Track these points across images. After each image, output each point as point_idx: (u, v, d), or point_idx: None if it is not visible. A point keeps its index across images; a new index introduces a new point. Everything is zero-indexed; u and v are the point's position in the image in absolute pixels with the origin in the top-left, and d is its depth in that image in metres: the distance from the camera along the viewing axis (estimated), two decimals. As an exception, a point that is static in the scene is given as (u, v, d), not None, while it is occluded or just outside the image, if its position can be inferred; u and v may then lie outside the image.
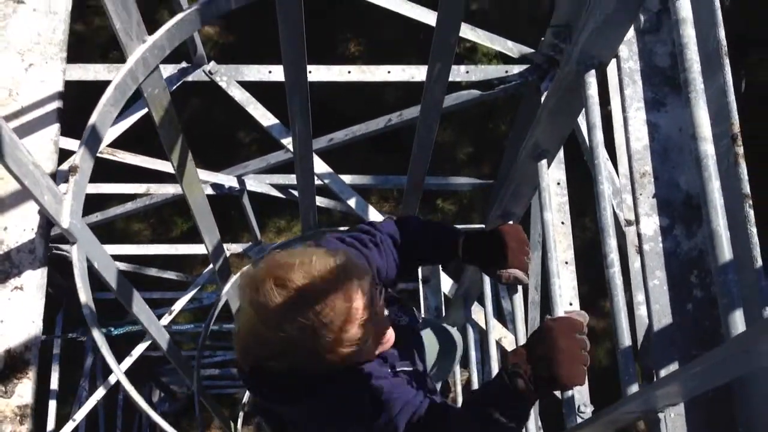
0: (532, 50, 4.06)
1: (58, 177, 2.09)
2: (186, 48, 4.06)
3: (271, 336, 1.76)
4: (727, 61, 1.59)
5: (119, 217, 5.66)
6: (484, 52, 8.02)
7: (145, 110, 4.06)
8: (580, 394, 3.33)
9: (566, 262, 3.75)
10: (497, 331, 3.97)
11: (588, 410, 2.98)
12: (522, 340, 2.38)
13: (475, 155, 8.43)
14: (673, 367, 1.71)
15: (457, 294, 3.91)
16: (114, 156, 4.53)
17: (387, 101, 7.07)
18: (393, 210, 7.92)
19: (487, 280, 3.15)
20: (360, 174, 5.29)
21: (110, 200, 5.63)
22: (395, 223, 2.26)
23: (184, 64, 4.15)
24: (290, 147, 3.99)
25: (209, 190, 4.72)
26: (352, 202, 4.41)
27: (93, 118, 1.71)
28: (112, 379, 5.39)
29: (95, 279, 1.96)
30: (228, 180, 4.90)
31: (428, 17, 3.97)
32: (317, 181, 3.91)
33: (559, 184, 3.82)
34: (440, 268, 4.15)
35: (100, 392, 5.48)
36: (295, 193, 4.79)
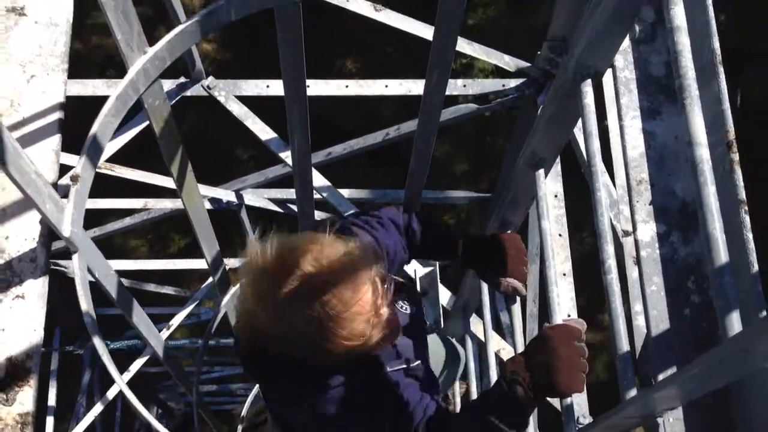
0: (529, 64, 4.09)
1: (58, 190, 2.10)
2: (184, 63, 4.09)
3: (272, 325, 1.70)
4: (721, 69, 1.61)
5: (117, 232, 5.68)
6: (480, 68, 8.07)
7: (141, 126, 4.09)
8: (579, 406, 3.33)
9: (564, 274, 3.77)
10: (496, 343, 3.98)
11: (587, 422, 2.98)
12: (520, 352, 2.39)
13: (473, 170, 8.46)
14: (671, 372, 1.72)
15: (456, 306, 3.92)
16: (112, 171, 4.54)
17: (384, 116, 7.10)
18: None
19: (485, 291, 3.16)
20: (358, 188, 5.30)
21: (108, 216, 5.63)
22: (399, 210, 2.25)
23: (182, 79, 4.17)
24: (288, 161, 4.01)
25: (207, 205, 4.73)
26: (350, 216, 4.42)
27: (94, 128, 1.73)
28: (110, 395, 5.39)
29: (93, 294, 1.96)
30: (226, 194, 4.92)
31: (425, 32, 4.00)
32: (316, 195, 3.93)
33: (556, 196, 3.85)
34: (438, 280, 4.15)
35: (97, 408, 5.47)
36: (294, 207, 4.80)
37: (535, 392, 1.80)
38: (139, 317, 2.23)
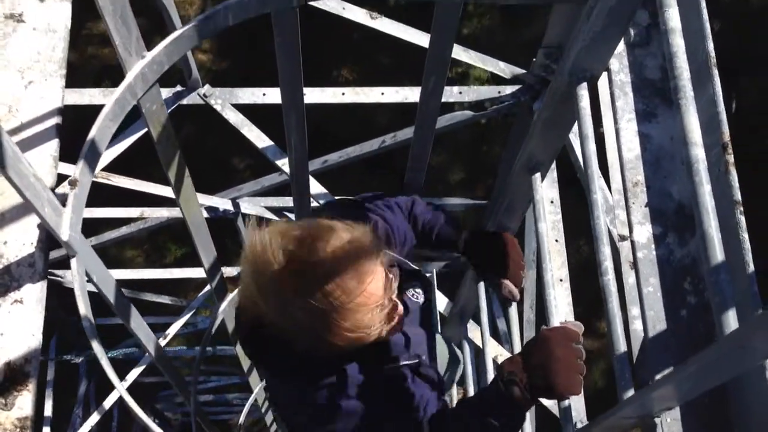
0: (524, 71, 4.11)
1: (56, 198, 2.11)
2: (180, 72, 4.10)
3: (273, 315, 1.65)
4: (716, 72, 1.63)
5: (114, 241, 5.67)
6: (476, 76, 8.10)
7: (136, 136, 4.09)
8: (577, 411, 3.34)
9: (561, 280, 3.78)
10: (493, 349, 3.98)
11: (585, 426, 2.99)
12: (518, 359, 2.39)
13: (469, 177, 8.48)
14: (668, 372, 1.73)
15: (453, 312, 3.92)
16: (108, 180, 4.53)
17: (379, 124, 7.12)
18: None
19: (482, 297, 3.17)
20: (354, 195, 5.29)
21: (104, 226, 5.64)
22: (406, 196, 2.22)
23: (178, 88, 4.18)
24: (285, 168, 4.02)
25: (204, 214, 4.73)
26: (346, 223, 4.42)
27: (92, 133, 1.73)
28: (106, 404, 5.39)
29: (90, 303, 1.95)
30: (223, 203, 4.91)
31: (421, 39, 4.02)
32: (312, 203, 3.93)
33: (552, 202, 3.86)
34: (435, 286, 4.16)
35: (94, 418, 5.46)
36: (291, 215, 4.80)
37: (532, 393, 1.80)
38: (137, 323, 2.23)
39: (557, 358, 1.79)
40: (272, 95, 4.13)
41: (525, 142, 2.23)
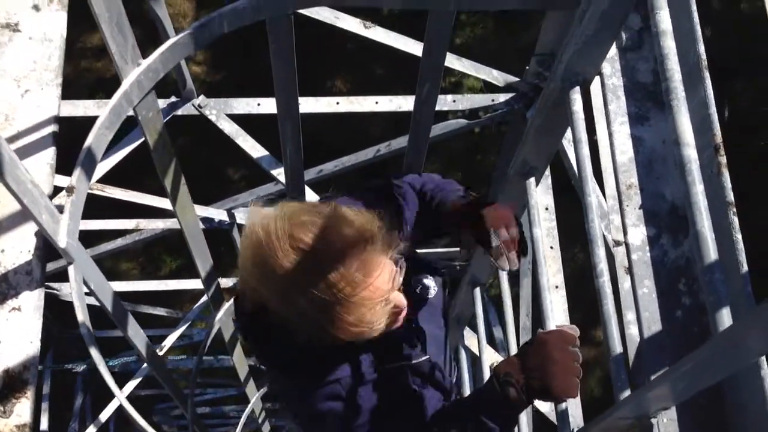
0: (517, 79, 4.13)
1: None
2: (175, 83, 4.12)
3: (274, 303, 1.60)
4: (707, 74, 1.64)
5: (109, 254, 5.67)
6: (469, 86, 8.13)
7: (130, 148, 4.10)
8: (574, 418, 3.34)
9: (556, 286, 3.79)
10: (490, 356, 3.98)
11: (582, 432, 2.99)
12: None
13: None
14: (664, 371, 1.73)
15: (450, 317, 3.93)
16: (103, 192, 4.54)
17: (373, 134, 7.13)
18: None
19: (478, 303, 3.17)
20: (349, 205, 5.30)
21: (99, 238, 5.64)
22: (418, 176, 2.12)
23: (173, 99, 4.19)
24: (280, 178, 4.03)
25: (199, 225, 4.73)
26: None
27: (89, 141, 1.74)
28: (102, 417, 5.38)
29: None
30: (218, 213, 4.92)
31: (414, 48, 4.04)
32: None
33: (547, 209, 3.88)
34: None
35: (90, 431, 5.45)
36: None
37: (528, 395, 1.80)
38: (135, 331, 2.24)
39: (554, 361, 1.79)
40: (267, 105, 4.15)
41: (519, 148, 2.25)
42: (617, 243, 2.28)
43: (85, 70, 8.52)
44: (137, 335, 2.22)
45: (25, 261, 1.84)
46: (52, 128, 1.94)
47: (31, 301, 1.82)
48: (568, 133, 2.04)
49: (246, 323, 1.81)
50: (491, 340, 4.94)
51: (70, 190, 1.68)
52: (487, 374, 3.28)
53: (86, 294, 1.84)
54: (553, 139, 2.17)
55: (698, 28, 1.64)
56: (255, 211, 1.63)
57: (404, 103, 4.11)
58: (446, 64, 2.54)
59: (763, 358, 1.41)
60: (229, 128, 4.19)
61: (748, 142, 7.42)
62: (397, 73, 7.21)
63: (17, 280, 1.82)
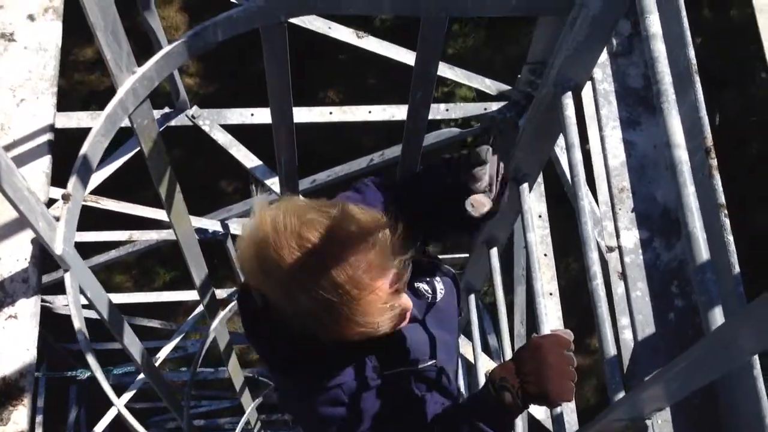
0: (510, 87, 4.15)
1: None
2: (169, 94, 4.13)
3: (277, 300, 1.58)
4: (697, 78, 1.66)
5: (102, 266, 5.66)
6: (461, 96, 8.16)
7: (123, 160, 4.10)
8: (570, 425, 3.35)
9: (550, 294, 3.80)
10: (485, 364, 3.99)
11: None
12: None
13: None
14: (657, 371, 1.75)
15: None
16: (98, 203, 4.54)
17: (366, 145, 7.16)
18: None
19: (473, 310, 3.18)
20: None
21: (93, 250, 5.63)
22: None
23: (167, 110, 4.20)
24: (274, 188, 4.04)
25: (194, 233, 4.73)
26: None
27: (84, 149, 1.75)
28: (98, 429, 5.35)
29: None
30: (212, 224, 4.92)
31: (407, 57, 4.06)
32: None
33: (540, 216, 3.89)
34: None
35: (85, 444, 5.43)
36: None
37: (524, 400, 1.80)
38: (131, 339, 2.24)
39: (550, 365, 1.79)
40: (261, 115, 4.16)
41: (512, 154, 2.27)
42: (610, 249, 2.29)
43: (78, 82, 8.53)
44: (133, 344, 2.23)
45: (21, 269, 1.84)
46: (48, 137, 1.95)
47: (28, 309, 1.83)
48: (561, 141, 2.05)
49: (249, 322, 1.81)
50: (486, 348, 4.94)
51: (66, 197, 1.69)
52: (481, 382, 3.29)
53: (83, 306, 1.84)
54: (545, 145, 2.19)
55: (688, 32, 1.66)
56: (259, 206, 1.61)
57: (397, 112, 4.12)
58: (439, 73, 2.55)
59: (756, 357, 1.42)
60: (223, 138, 4.20)
61: (739, 151, 7.47)
62: (389, 83, 7.24)
63: (13, 287, 1.82)
